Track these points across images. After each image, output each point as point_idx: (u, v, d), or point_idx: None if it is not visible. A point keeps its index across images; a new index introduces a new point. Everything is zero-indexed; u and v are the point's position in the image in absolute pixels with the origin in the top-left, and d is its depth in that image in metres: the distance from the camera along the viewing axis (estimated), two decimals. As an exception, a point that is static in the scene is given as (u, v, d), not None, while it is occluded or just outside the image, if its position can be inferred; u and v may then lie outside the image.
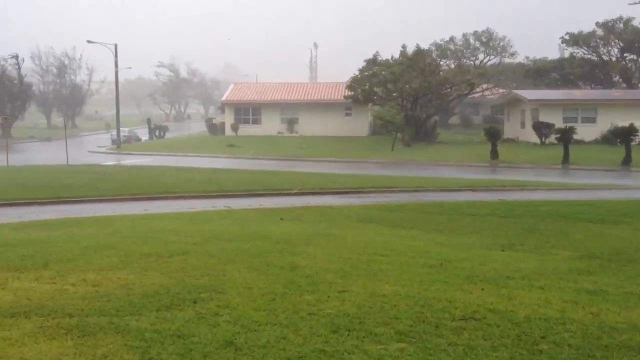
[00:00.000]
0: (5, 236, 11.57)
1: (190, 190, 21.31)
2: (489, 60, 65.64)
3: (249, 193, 20.81)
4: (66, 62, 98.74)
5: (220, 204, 18.12)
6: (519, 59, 70.23)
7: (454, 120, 70.06)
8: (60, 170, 29.97)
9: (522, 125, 50.59)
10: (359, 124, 58.27)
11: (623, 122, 39.26)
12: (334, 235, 11.14)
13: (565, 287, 7.19)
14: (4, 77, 75.91)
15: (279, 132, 58.74)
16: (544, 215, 15.18)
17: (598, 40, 62.74)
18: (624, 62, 63.27)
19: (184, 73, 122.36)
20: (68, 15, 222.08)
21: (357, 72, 53.93)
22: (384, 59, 54.15)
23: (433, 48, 59.93)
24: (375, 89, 52.48)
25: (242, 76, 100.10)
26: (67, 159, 35.71)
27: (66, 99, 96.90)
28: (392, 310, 6.00)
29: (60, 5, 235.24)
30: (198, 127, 78.15)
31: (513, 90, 56.08)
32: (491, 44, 64.38)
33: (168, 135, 68.40)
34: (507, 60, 67.39)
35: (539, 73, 64.48)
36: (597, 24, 62.26)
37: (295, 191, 14.12)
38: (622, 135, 36.35)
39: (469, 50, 64.95)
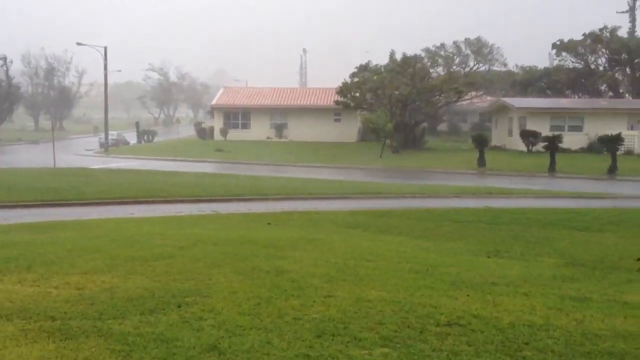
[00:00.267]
0: (-10, 238, 11.47)
1: (178, 194, 21.23)
2: (478, 67, 65.99)
3: (237, 198, 20.77)
4: (54, 64, 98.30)
5: (208, 208, 18.07)
6: (509, 66, 70.70)
7: (443, 127, 70.35)
8: (46, 173, 29.77)
9: (510, 133, 50.88)
10: (348, 130, 58.36)
11: (609, 130, 39.58)
12: (320, 240, 11.14)
13: (550, 293, 7.22)
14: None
15: (268, 137, 58.69)
16: (530, 222, 15.26)
17: (586, 49, 63.25)
18: (610, 72, 63.80)
19: (173, 77, 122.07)
20: (60, 18, 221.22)
21: (347, 78, 54.11)
22: (375, 64, 54.36)
23: (423, 54, 60.13)
24: (367, 95, 52.64)
25: (232, 81, 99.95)
26: (54, 161, 35.48)
27: (54, 101, 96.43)
28: (377, 315, 6.00)
29: (52, 7, 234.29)
30: (187, 131, 77.96)
31: (501, 98, 56.42)
32: (481, 52, 64.71)
33: (156, 139, 68.14)
34: (496, 68, 67.78)
35: (527, 82, 64.90)
36: (584, 34, 62.83)
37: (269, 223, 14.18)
38: (608, 144, 36.63)
39: (459, 57, 65.25)
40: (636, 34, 69.70)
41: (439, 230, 13.72)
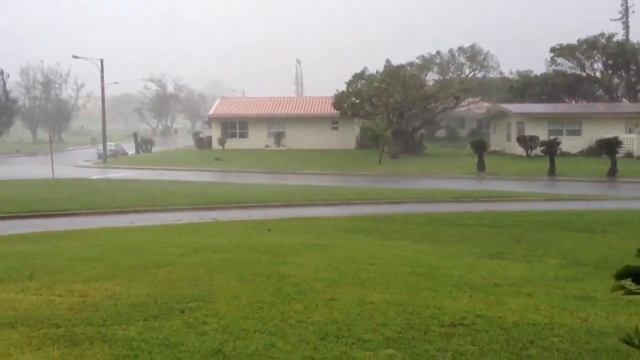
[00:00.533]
0: (-10, 249, 11.45)
1: (177, 203, 21.22)
2: (474, 74, 66.13)
3: (237, 205, 20.76)
4: (52, 77, 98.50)
5: (208, 216, 18.05)
6: (505, 73, 70.79)
7: (441, 133, 70.41)
8: (45, 184, 29.74)
9: (508, 138, 50.95)
10: (346, 137, 58.40)
11: (607, 134, 39.63)
12: (322, 246, 11.12)
13: (553, 293, 7.21)
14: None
15: (266, 146, 58.72)
16: (531, 225, 15.25)
17: (582, 55, 63.47)
18: (608, 76, 63.95)
19: (170, 88, 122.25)
20: (57, 31, 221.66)
21: (344, 87, 54.23)
22: (370, 73, 54.48)
23: (419, 62, 60.22)
24: (363, 103, 52.75)
25: (229, 91, 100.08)
26: (53, 172, 35.45)
27: (52, 113, 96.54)
28: (380, 317, 5.99)
29: (48, 21, 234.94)
30: (185, 142, 78.01)
31: (499, 104, 56.50)
32: (476, 59, 64.84)
33: (155, 149, 68.16)
34: (492, 75, 67.93)
35: (523, 87, 65.03)
36: (578, 40, 63.12)
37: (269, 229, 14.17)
38: (607, 147, 36.66)
39: (454, 65, 65.38)
40: (630, 40, 70.03)
41: (440, 234, 13.71)
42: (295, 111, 60.62)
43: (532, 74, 70.10)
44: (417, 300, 6.72)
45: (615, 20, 76.09)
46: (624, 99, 63.91)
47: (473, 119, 68.24)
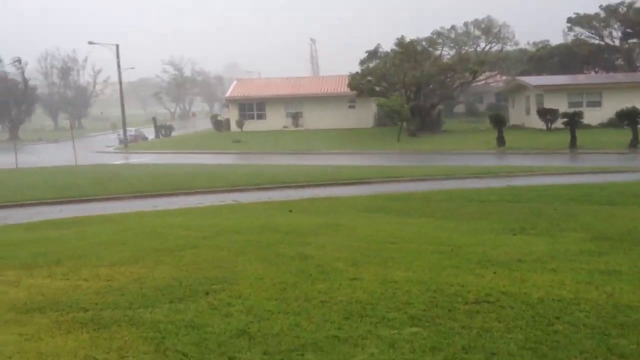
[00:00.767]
0: (18, 236, 11.64)
1: (198, 186, 21.34)
2: (490, 47, 65.30)
3: (257, 187, 20.83)
4: (69, 64, 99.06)
5: (229, 198, 18.15)
6: (522, 45, 69.89)
7: (459, 108, 69.87)
8: (68, 170, 30.07)
9: (527, 111, 50.39)
10: (364, 116, 58.21)
11: (628, 104, 39.00)
12: (342, 225, 11.14)
13: (578, 268, 7.17)
14: (8, 82, 76.01)
15: (284, 127, 58.74)
16: (553, 199, 15.13)
17: (601, 24, 62.29)
18: (627, 45, 62.81)
19: (187, 72, 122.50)
20: (71, 16, 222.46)
21: (358, 66, 53.92)
22: (384, 50, 54.08)
23: (434, 37, 59.53)
24: (379, 80, 52.41)
25: (245, 73, 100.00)
26: (75, 159, 35.81)
27: (71, 100, 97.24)
28: (404, 295, 6.00)
29: (63, 6, 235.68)
30: (203, 125, 78.26)
31: (517, 77, 55.83)
32: (492, 32, 64.00)
33: (174, 133, 68.52)
34: (508, 47, 67.04)
35: (541, 58, 64.13)
36: (600, 7, 61.83)
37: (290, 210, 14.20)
38: (628, 118, 36.13)
39: (470, 39, 64.59)
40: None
41: (461, 210, 13.65)
42: (312, 91, 60.49)
43: (549, 45, 69.08)
44: (440, 278, 6.71)
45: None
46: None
47: (491, 93, 67.55)
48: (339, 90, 58.97)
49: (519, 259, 7.74)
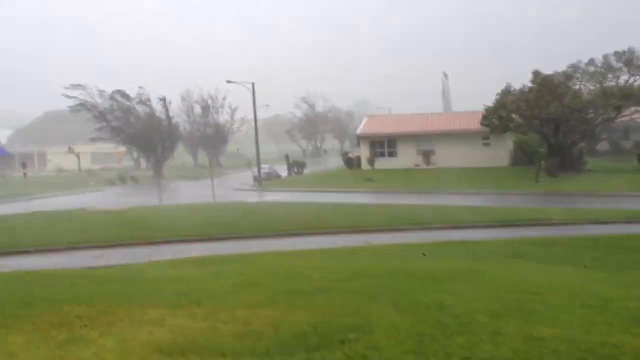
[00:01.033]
0: (162, 273, 12.21)
1: (331, 225, 21.53)
2: (634, 80, 61.48)
3: (389, 228, 20.69)
4: (209, 102, 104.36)
5: (361, 239, 18.12)
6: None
7: (602, 146, 66.07)
8: (207, 208, 31.46)
9: (682, 148, 46.69)
10: (499, 154, 56.47)
11: None
12: (480, 272, 10.71)
13: None
14: (154, 119, 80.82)
15: (415, 165, 58.28)
16: None
17: None
18: None
19: (319, 108, 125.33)
20: (214, 59, 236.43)
21: (492, 101, 52.56)
22: (516, 88, 52.45)
23: (571, 70, 56.94)
24: (513, 115, 50.81)
25: (375, 109, 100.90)
26: (214, 196, 37.46)
27: (210, 138, 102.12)
28: (551, 355, 5.59)
29: (205, 49, 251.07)
30: (334, 162, 79.43)
31: (668, 112, 52.01)
32: (634, 63, 60.22)
33: (306, 170, 70.00)
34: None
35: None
36: None
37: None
38: None
39: (610, 72, 61.16)
40: None
41: (610, 259, 12.73)
42: (444, 127, 59.69)
43: None
44: (591, 336, 6.20)
45: None
46: None
47: (638, 129, 63.36)
48: (472, 126, 57.73)
49: (681, 318, 7.02)
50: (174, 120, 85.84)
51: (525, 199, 35.77)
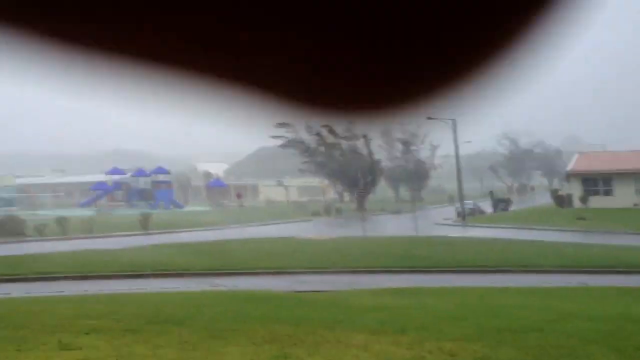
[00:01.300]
0: (365, 301, 12.35)
1: (541, 264, 20.38)
2: None
3: (609, 269, 19.06)
4: (410, 139, 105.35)
5: (575, 280, 16.91)
6: None
7: None
8: (409, 241, 31.45)
9: None
10: None
11: None
12: None
13: None
14: (357, 155, 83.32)
15: (635, 204, 53.48)
16: None
17: None
18: None
19: (524, 145, 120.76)
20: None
21: None
22: None
23: None
24: None
25: (587, 146, 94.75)
26: (416, 230, 37.41)
27: (411, 173, 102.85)
28: None
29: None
30: (542, 199, 75.60)
31: None
32: None
33: (511, 207, 67.47)
34: None
35: None
36: None
37: None
38: None
39: None
40: None
41: None
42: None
43: None
44: None
45: None
46: None
47: None
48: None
49: None
50: (376, 157, 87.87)
51: None
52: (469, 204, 62.59)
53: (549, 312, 10.12)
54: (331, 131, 79.69)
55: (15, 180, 77.03)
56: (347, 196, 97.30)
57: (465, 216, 55.77)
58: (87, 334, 7.88)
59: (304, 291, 14.60)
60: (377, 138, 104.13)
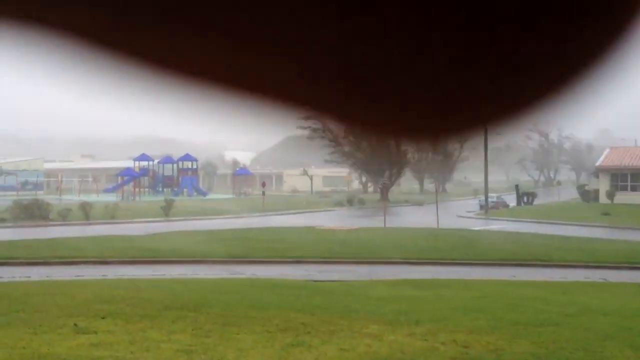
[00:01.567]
0: (381, 292, 12.36)
1: (560, 259, 20.19)
2: None
3: (629, 265, 18.81)
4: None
5: (595, 275, 16.72)
6: None
7: None
8: (430, 233, 31.31)
9: None
10: None
11: None
12: None
13: None
14: (384, 145, 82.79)
15: (662, 200, 52.66)
16: None
17: None
18: None
19: (554, 138, 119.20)
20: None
21: None
22: None
23: None
24: None
25: (618, 140, 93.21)
26: (438, 222, 37.20)
27: (437, 166, 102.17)
28: None
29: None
30: (568, 194, 74.67)
31: None
32: None
33: (536, 201, 66.74)
34: None
35: None
36: None
37: None
38: None
39: None
40: None
41: None
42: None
43: None
44: None
45: None
46: None
47: None
48: None
49: None
50: (402, 148, 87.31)
51: None
52: (492, 197, 62.08)
53: (567, 307, 10.06)
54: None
55: (44, 165, 78.18)
56: (370, 187, 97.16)
57: (489, 209, 55.37)
58: (103, 318, 8.02)
59: (322, 280, 14.65)
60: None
